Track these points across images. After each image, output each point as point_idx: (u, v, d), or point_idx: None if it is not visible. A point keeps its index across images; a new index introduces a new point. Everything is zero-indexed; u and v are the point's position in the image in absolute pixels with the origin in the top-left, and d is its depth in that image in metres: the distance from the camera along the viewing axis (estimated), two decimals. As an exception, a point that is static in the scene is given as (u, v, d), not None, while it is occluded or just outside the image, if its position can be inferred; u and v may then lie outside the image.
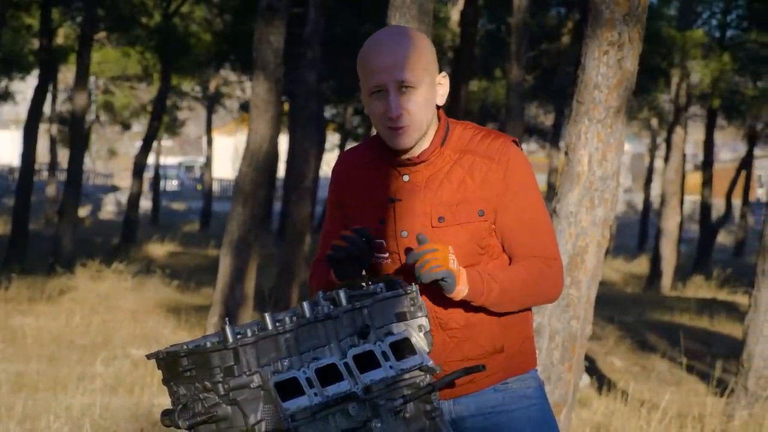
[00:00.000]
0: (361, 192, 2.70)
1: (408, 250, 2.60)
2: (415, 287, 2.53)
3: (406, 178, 2.64)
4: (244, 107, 31.17)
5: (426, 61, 2.59)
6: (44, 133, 29.27)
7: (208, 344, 2.25)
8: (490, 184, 2.60)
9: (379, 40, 2.59)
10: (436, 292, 2.59)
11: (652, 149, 34.42)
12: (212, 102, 31.60)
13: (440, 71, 2.66)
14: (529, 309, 2.74)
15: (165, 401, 6.69)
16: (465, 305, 2.61)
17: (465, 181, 2.61)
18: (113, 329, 10.54)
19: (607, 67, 5.03)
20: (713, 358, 10.41)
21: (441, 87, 2.65)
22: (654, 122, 31.93)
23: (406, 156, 2.64)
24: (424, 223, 2.61)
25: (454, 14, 20.83)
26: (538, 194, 2.67)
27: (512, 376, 2.67)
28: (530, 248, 2.64)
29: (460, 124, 2.69)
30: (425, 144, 2.64)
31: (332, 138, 34.88)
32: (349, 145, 33.75)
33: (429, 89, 2.59)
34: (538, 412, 2.68)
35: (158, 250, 20.90)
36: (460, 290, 2.54)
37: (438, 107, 2.66)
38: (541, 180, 27.26)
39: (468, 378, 2.62)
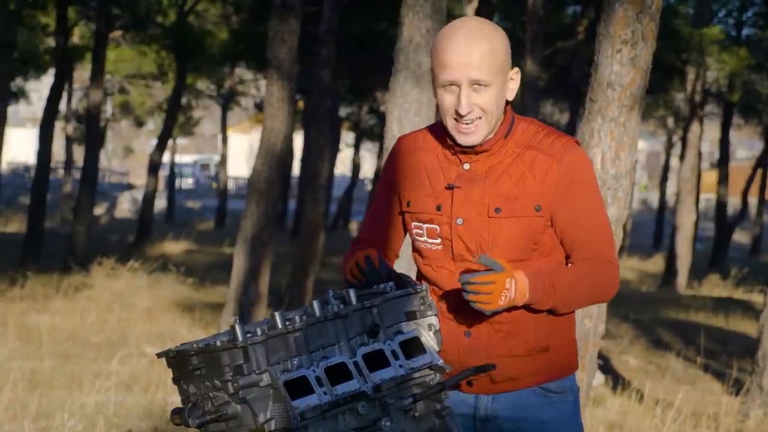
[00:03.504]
0: (419, 176, 2.68)
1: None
2: (425, 286, 2.53)
3: (466, 166, 2.63)
4: (259, 106, 31.21)
5: (501, 60, 2.56)
6: (60, 131, 29.39)
7: (218, 343, 2.25)
8: (549, 181, 2.59)
9: (456, 35, 2.55)
10: None
11: (668, 147, 34.32)
12: (227, 100, 31.64)
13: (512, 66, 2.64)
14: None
15: (179, 399, 6.69)
16: None
17: (525, 176, 2.60)
18: (128, 327, 10.55)
19: (621, 65, 5.00)
20: (729, 357, 10.38)
21: (512, 82, 2.63)
22: (670, 120, 31.82)
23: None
24: (480, 213, 2.59)
25: (469, 12, 20.77)
26: (599, 196, 2.66)
27: (554, 380, 2.66)
28: (589, 250, 2.63)
29: (525, 120, 2.68)
30: (489, 134, 2.62)
31: (347, 136, 34.89)
32: (364, 143, 33.73)
33: (501, 87, 2.58)
34: (568, 427, 2.68)
35: (173, 248, 20.94)
36: (517, 302, 2.53)
37: (507, 102, 2.64)
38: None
39: (510, 374, 2.61)
